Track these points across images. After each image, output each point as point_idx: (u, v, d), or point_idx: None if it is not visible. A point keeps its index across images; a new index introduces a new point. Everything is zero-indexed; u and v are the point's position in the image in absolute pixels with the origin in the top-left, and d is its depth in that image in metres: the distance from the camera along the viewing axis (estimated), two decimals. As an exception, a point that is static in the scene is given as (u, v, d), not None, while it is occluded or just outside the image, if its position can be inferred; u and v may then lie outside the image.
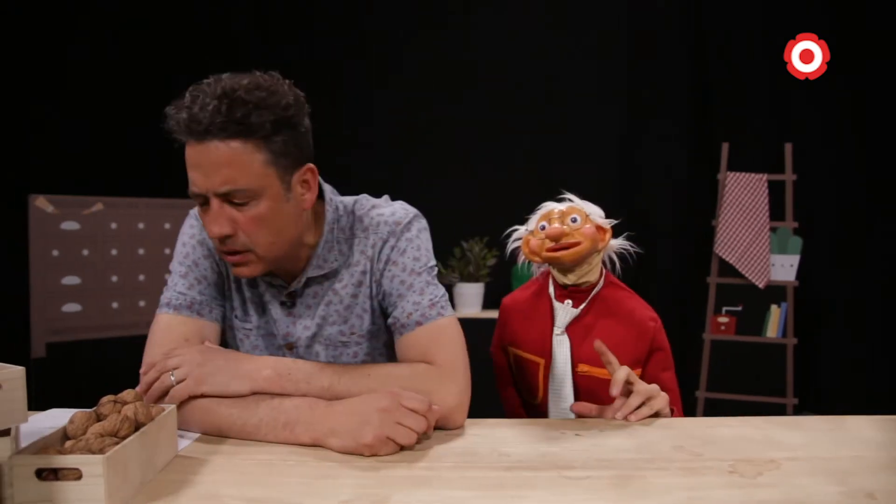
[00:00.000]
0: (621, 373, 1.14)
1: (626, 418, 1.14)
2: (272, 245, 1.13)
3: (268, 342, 1.29)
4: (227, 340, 1.32)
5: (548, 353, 1.30)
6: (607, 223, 1.27)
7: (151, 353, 1.14)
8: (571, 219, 1.24)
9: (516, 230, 1.38)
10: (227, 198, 1.07)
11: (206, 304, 1.22)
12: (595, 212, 1.28)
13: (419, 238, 1.25)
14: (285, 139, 1.08)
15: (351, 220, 1.27)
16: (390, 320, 1.23)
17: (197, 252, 1.25)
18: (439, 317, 1.18)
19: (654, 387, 1.18)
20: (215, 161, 1.04)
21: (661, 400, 1.17)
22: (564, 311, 1.29)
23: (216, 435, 1.05)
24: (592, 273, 1.28)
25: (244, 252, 1.12)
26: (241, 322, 1.29)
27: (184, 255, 1.25)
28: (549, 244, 1.24)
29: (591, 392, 1.27)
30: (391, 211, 1.26)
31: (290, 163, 1.11)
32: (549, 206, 1.31)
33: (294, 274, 1.24)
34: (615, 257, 1.35)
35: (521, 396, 1.41)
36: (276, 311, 1.26)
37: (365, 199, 1.30)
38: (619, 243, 1.31)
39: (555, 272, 1.32)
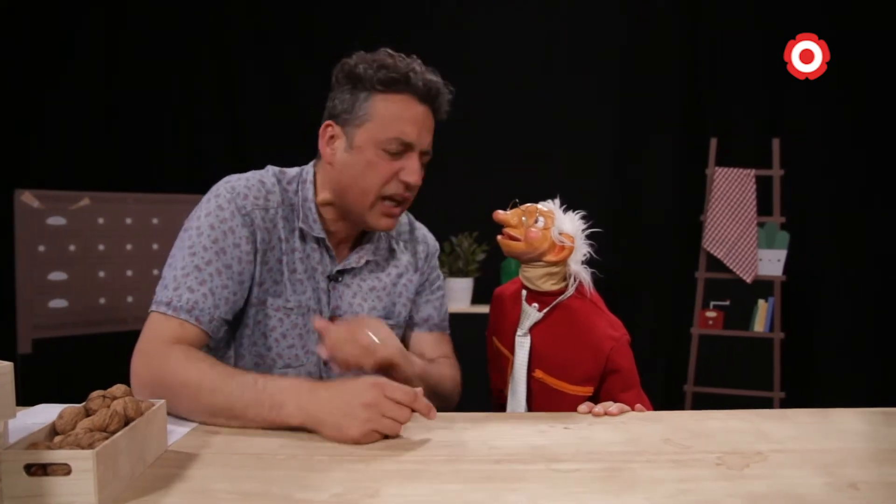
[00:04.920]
0: (583, 407, 1.20)
1: (592, 412, 1.17)
2: None
3: (308, 320, 1.31)
4: (243, 328, 1.29)
5: (513, 351, 1.31)
6: (567, 243, 1.23)
7: (143, 354, 1.13)
8: (536, 219, 1.23)
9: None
10: (423, 154, 1.30)
11: (208, 311, 1.17)
12: (564, 228, 1.24)
13: None
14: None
15: None
16: (425, 313, 1.45)
17: (227, 239, 1.21)
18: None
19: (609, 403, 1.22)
20: (430, 124, 1.30)
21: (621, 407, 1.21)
22: (529, 314, 1.29)
23: (205, 420, 1.07)
24: (545, 282, 1.26)
25: (406, 203, 1.32)
26: (282, 301, 1.29)
27: (212, 240, 1.20)
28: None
29: (544, 399, 1.27)
30: (425, 229, 1.54)
31: None
32: (541, 204, 1.28)
33: (343, 246, 1.38)
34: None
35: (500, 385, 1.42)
36: (323, 283, 1.34)
37: None
38: (576, 269, 1.27)
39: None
